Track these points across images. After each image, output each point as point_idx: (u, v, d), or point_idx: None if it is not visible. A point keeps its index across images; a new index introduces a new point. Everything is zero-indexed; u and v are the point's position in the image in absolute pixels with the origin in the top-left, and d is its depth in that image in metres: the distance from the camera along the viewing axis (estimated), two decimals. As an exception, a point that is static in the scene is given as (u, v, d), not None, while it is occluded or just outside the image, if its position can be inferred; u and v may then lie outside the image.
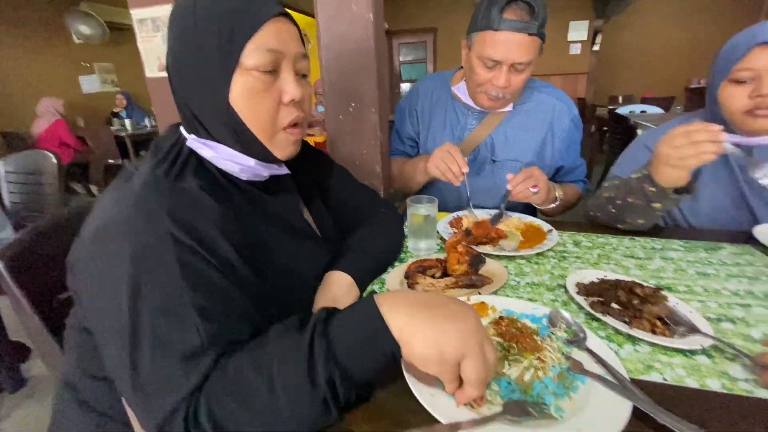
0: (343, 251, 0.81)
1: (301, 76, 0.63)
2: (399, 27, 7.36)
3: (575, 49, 6.37)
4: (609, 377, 0.50)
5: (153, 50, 1.42)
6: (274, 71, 0.59)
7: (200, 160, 0.62)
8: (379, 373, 0.46)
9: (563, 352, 0.55)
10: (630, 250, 0.90)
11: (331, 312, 0.49)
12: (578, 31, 6.38)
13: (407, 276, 0.79)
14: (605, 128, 4.75)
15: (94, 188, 4.56)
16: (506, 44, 0.96)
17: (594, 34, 6.38)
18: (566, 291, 0.74)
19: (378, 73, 1.02)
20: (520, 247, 0.92)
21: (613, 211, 0.98)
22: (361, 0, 0.97)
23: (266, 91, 0.59)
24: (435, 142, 1.23)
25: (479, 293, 0.72)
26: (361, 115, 1.06)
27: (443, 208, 1.20)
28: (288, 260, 0.67)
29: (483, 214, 1.09)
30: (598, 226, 1.04)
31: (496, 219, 1.05)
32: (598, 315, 0.64)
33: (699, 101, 1.10)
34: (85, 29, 5.21)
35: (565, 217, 1.20)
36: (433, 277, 0.80)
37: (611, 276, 0.76)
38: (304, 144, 0.93)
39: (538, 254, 0.89)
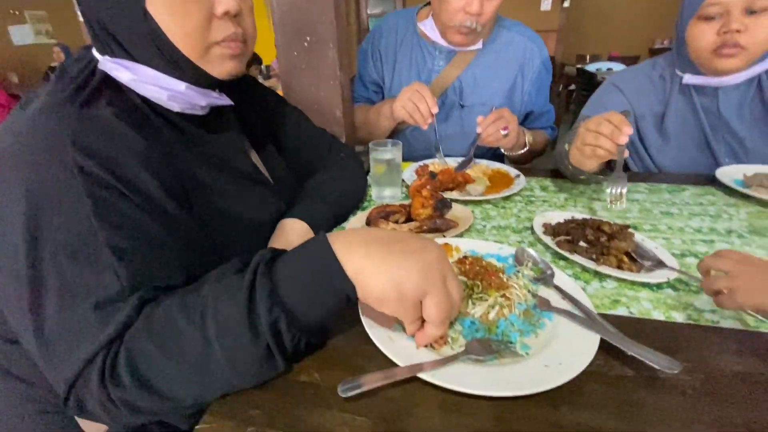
0: (299, 198, 0.74)
1: None
2: (366, -24, 6.90)
3: (546, 5, 6.23)
4: (577, 312, 0.48)
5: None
6: None
7: (119, 88, 0.52)
8: (331, 316, 0.42)
9: (530, 289, 0.52)
10: (597, 193, 0.88)
11: (277, 252, 0.43)
12: (550, -15, 6.22)
13: (368, 222, 0.73)
14: (572, 88, 4.77)
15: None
16: None
17: (565, -11, 6.24)
18: (533, 232, 0.71)
19: (335, 2, 0.90)
20: (486, 191, 0.88)
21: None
22: None
23: None
24: (401, 86, 1.14)
25: (444, 236, 0.68)
26: (318, 51, 0.95)
27: (410, 158, 1.14)
28: (232, 206, 0.60)
29: (452, 163, 1.03)
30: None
31: (464, 165, 1.01)
32: (566, 253, 0.62)
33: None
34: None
35: (532, 166, 1.17)
36: (396, 222, 0.74)
37: (578, 217, 0.74)
38: (252, 79, 0.82)
39: (504, 198, 0.86)
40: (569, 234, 0.66)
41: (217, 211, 0.57)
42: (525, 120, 1.19)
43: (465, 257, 0.55)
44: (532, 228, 0.72)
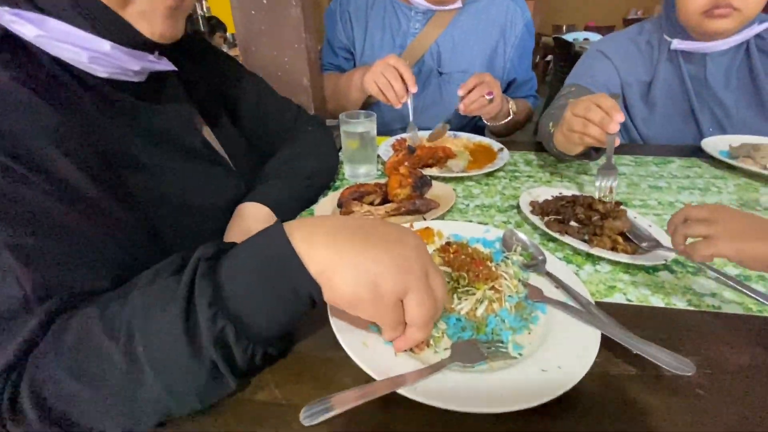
0: (260, 179, 0.65)
1: None
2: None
3: (523, -27, 6.07)
4: (572, 303, 0.43)
5: None
6: None
7: (23, 47, 0.41)
8: (292, 323, 0.35)
9: (520, 278, 0.46)
10: (583, 167, 0.84)
11: (222, 246, 0.35)
12: (527, -50, 6.03)
13: (340, 204, 0.66)
14: (548, 58, 4.70)
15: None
16: None
17: (543, -45, 6.07)
18: (519, 211, 0.66)
19: (296, -48, 0.79)
20: (468, 167, 0.81)
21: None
22: None
23: None
24: (373, 51, 1.04)
25: (424, 219, 0.61)
26: (279, 10, 0.84)
27: (386, 132, 1.06)
28: (177, 189, 0.51)
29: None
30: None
31: (438, 134, 0.93)
32: (556, 234, 0.57)
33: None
34: None
35: (515, 138, 1.12)
36: (371, 204, 0.67)
37: (566, 193, 0.68)
38: (203, 41, 0.71)
39: (487, 174, 0.80)
40: (559, 213, 0.61)
41: (159, 195, 0.49)
42: (507, 89, 1.12)
43: (448, 244, 0.49)
44: (518, 206, 0.66)
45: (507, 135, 1.11)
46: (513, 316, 0.41)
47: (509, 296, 0.42)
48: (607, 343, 0.38)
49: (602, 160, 0.69)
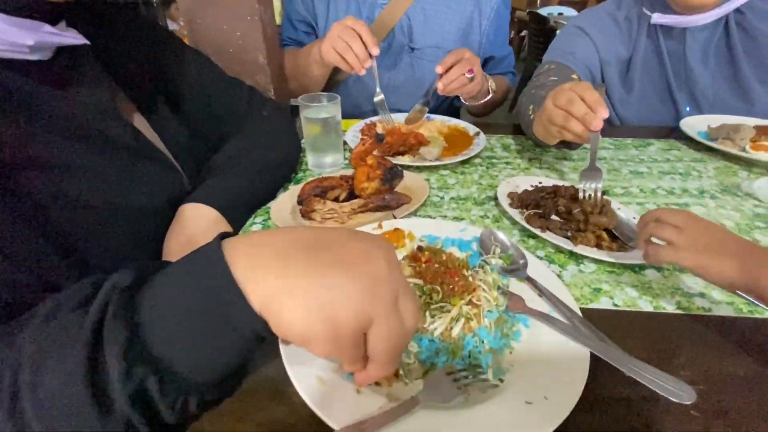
0: (206, 173, 0.57)
1: None
2: None
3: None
4: (557, 314, 0.38)
5: None
6: None
7: None
8: (236, 365, 0.28)
9: (500, 285, 0.41)
10: (562, 152, 0.79)
11: (145, 270, 0.28)
12: None
13: (300, 202, 0.59)
14: (523, 34, 4.63)
15: None
16: None
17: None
18: (497, 203, 0.61)
19: None
20: (443, 155, 0.75)
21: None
22: None
23: None
24: (338, 25, 0.95)
25: (394, 216, 0.55)
26: (225, -24, 0.73)
27: (356, 114, 0.98)
28: (95, 189, 0.43)
29: (401, 120, 0.88)
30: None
31: (417, 117, 0.86)
32: (537, 231, 0.52)
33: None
34: None
35: (490, 120, 1.06)
36: (336, 200, 0.60)
37: (547, 182, 0.64)
38: (128, 9, 0.60)
39: (463, 162, 0.74)
40: (539, 206, 0.56)
41: (71, 197, 0.40)
42: (484, 65, 1.05)
43: (420, 249, 0.43)
44: (496, 198, 0.61)
45: (484, 114, 1.05)
46: (492, 335, 0.36)
47: (488, 311, 0.37)
48: (596, 358, 0.34)
49: (585, 158, 0.64)
